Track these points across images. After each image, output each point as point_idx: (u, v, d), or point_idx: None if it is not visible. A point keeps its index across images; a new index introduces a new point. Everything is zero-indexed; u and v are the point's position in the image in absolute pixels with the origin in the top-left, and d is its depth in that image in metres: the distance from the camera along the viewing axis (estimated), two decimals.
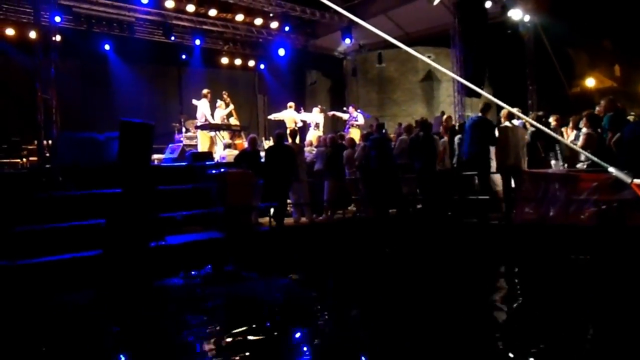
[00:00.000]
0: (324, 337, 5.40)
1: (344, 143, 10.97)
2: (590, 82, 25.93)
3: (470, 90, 13.48)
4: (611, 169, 2.29)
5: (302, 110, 14.81)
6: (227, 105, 13.76)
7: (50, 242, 7.06)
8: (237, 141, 13.13)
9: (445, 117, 12.09)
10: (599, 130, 8.56)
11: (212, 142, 13.00)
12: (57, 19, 11.87)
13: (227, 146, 12.08)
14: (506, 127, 9.19)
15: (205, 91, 13.27)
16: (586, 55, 26.10)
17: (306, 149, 11.73)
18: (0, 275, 6.32)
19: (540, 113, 10.09)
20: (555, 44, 15.08)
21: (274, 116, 14.64)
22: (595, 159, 2.41)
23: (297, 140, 11.59)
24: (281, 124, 14.21)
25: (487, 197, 9.23)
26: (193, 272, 7.73)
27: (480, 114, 9.45)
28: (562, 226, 7.89)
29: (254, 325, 5.49)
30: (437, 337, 5.13)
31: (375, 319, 5.87)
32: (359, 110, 15.71)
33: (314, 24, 17.54)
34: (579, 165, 8.97)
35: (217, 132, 13.03)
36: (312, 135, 13.78)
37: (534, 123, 3.34)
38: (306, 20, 16.59)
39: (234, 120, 13.88)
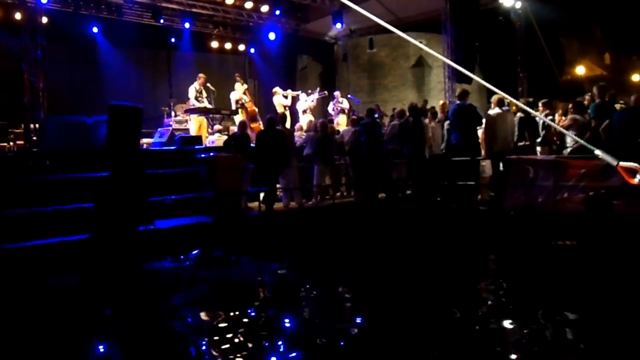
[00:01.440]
0: (313, 321, 5.42)
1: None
2: (580, 70, 26.02)
3: (461, 76, 13.49)
4: (597, 152, 2.30)
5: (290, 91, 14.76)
6: (241, 87, 13.76)
7: (38, 226, 7.00)
8: (254, 124, 13.07)
9: (441, 103, 12.14)
10: (586, 115, 8.65)
11: (203, 126, 12.95)
12: (44, 0, 11.70)
13: (217, 131, 12.01)
14: (496, 113, 9.24)
15: (199, 75, 13.27)
16: (577, 43, 26.17)
17: (296, 133, 11.70)
18: None
19: (531, 99, 10.12)
20: (546, 31, 15.10)
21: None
22: (583, 142, 2.42)
23: (287, 125, 11.57)
24: (273, 108, 14.15)
25: (476, 183, 9.29)
26: (182, 256, 7.73)
27: (459, 101, 9.51)
28: (550, 212, 7.95)
29: (242, 309, 5.51)
30: (425, 322, 5.17)
31: (365, 304, 5.90)
32: (349, 96, 15.70)
33: (304, 8, 17.41)
34: (565, 151, 9.04)
35: (208, 116, 12.97)
36: (303, 120, 13.77)
37: (526, 108, 3.34)
38: (297, 4, 16.47)
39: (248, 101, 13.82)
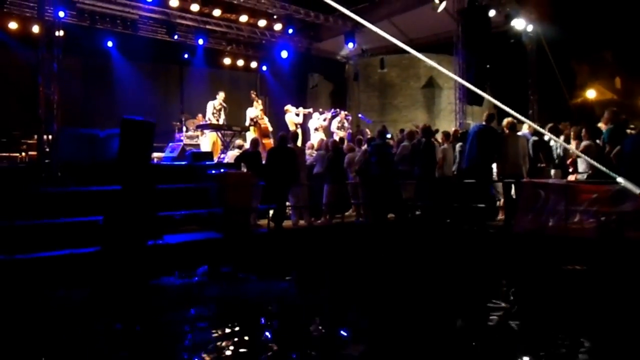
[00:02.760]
0: (320, 341, 5.38)
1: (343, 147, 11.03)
2: (591, 94, 25.96)
3: (471, 98, 13.50)
4: (620, 179, 2.28)
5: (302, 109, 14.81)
6: (257, 105, 13.91)
7: (48, 238, 7.03)
8: (265, 141, 13.17)
9: (453, 129, 12.12)
10: (598, 141, 8.62)
11: (217, 142, 13.04)
12: (61, 14, 11.84)
13: (238, 146, 11.92)
14: (507, 136, 9.23)
15: (220, 93, 13.55)
16: (587, 66, 26.15)
17: (307, 151, 11.71)
18: None
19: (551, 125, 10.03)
20: (557, 54, 15.11)
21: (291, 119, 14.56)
22: (605, 169, 2.40)
23: (299, 143, 11.59)
24: (285, 126, 14.20)
25: (486, 205, 9.24)
26: (190, 272, 7.71)
27: (484, 123, 9.47)
28: (561, 237, 7.90)
29: (249, 328, 5.48)
30: (433, 346, 5.12)
31: (374, 326, 5.85)
32: (360, 116, 15.71)
33: (317, 27, 17.53)
34: (578, 176, 8.99)
35: (219, 133, 13.05)
36: (314, 138, 13.80)
37: (542, 131, 3.34)
38: (310, 23, 16.58)
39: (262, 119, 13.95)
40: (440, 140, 11.14)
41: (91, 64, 16.06)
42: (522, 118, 3.66)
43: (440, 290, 7.18)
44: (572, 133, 9.53)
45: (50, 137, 10.23)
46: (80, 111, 14.80)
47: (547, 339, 5.15)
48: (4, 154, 12.12)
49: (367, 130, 14.88)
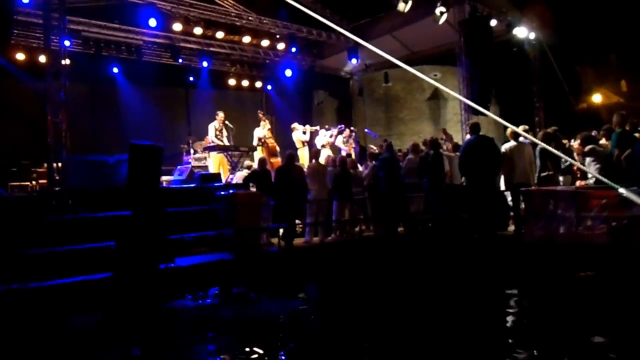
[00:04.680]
0: None
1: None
2: (597, 98, 25.86)
3: (476, 108, 13.52)
4: (622, 190, 2.28)
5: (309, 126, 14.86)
6: (264, 124, 13.97)
7: (60, 265, 7.07)
8: (273, 160, 13.22)
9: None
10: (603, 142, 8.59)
11: (223, 164, 13.09)
12: (67, 43, 12.02)
13: (247, 167, 11.94)
14: (512, 145, 9.22)
15: (218, 113, 13.56)
16: (592, 71, 26.08)
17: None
18: (11, 298, 6.34)
19: (551, 130, 10.01)
20: (561, 60, 15.11)
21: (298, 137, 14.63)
22: (606, 180, 2.41)
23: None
24: (292, 144, 14.25)
25: (496, 215, 9.21)
26: (202, 294, 7.72)
27: (473, 135, 9.46)
28: (572, 244, 7.84)
29: (266, 350, 5.47)
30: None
31: (388, 343, 5.81)
32: (366, 131, 15.73)
33: (320, 45, 17.68)
34: (586, 182, 8.95)
35: (227, 153, 13.10)
36: (321, 155, 13.82)
37: (536, 140, 3.35)
38: (312, 41, 16.73)
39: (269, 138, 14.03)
40: (448, 149, 11.15)
41: (98, 90, 16.28)
42: (522, 132, 3.67)
43: (455, 301, 7.14)
44: (577, 139, 9.47)
45: (59, 164, 10.32)
46: (88, 137, 14.95)
47: (564, 345, 5.11)
48: (15, 183, 12.23)
49: (373, 146, 14.89)
